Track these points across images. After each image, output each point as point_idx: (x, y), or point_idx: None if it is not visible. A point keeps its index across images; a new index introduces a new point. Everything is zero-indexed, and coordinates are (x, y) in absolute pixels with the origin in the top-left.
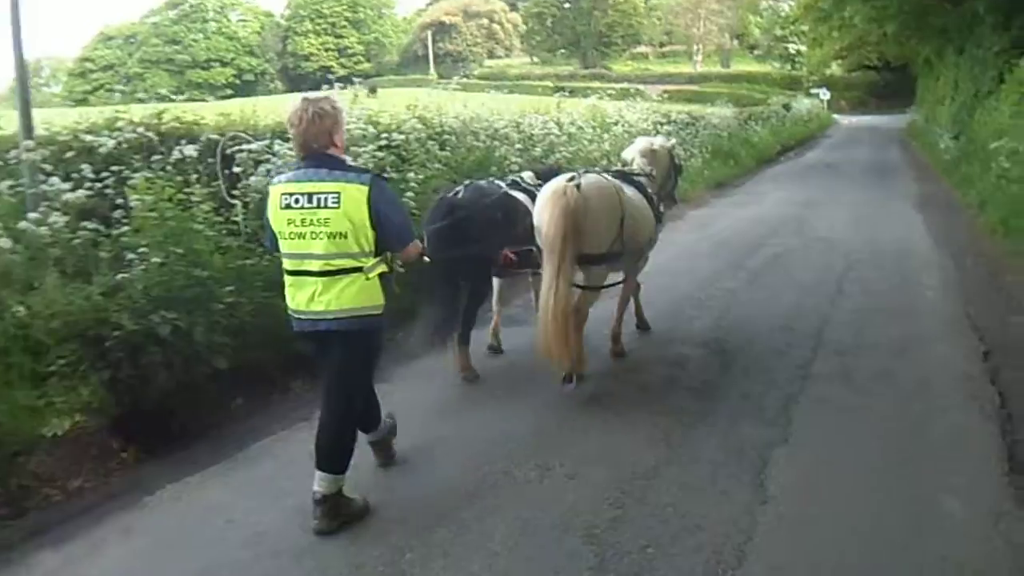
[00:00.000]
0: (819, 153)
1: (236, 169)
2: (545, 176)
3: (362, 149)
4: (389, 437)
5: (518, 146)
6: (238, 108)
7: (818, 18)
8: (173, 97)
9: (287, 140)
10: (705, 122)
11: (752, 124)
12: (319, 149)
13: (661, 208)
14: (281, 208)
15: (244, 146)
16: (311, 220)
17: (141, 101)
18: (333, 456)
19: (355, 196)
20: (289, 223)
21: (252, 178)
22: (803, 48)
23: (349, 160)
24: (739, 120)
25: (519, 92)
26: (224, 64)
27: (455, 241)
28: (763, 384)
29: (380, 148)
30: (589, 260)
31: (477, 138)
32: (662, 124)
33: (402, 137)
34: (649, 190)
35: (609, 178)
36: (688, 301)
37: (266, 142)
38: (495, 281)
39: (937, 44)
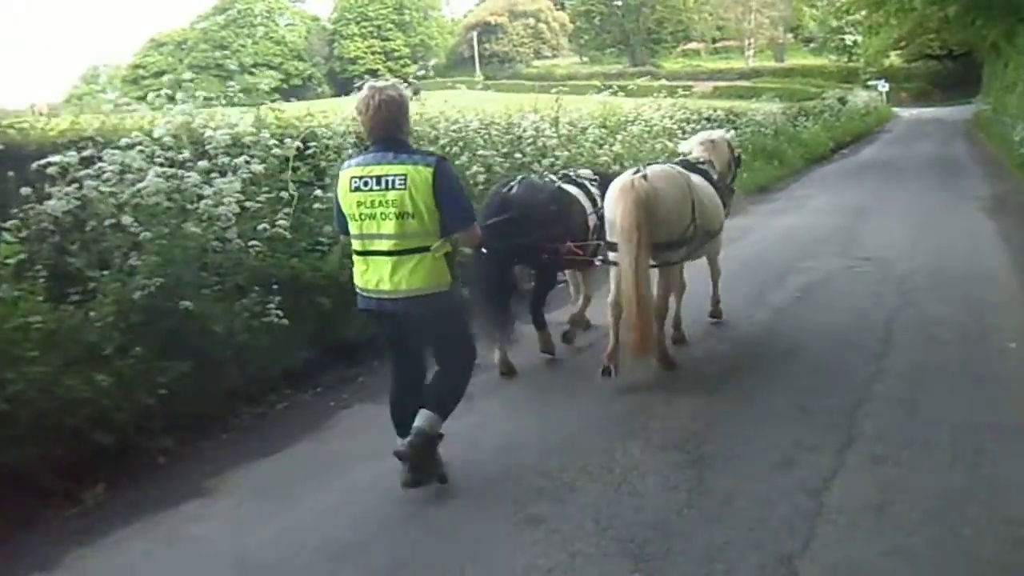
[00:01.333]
0: (876, 149)
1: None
2: (601, 175)
3: (234, 159)
4: (435, 461)
5: (497, 151)
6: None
7: (874, 3)
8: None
9: (127, 148)
10: (747, 119)
11: (802, 120)
12: (386, 135)
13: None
14: (351, 191)
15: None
16: (380, 201)
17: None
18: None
19: (421, 177)
20: (359, 205)
21: (50, 202)
22: (860, 39)
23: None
24: (788, 116)
25: (566, 92)
26: (272, 68)
27: (509, 236)
28: (742, 541)
29: (267, 159)
30: (665, 247)
31: (435, 143)
32: (688, 123)
33: (295, 144)
34: (713, 176)
35: (675, 166)
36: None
37: (87, 152)
38: (568, 273)
39: (1006, 24)
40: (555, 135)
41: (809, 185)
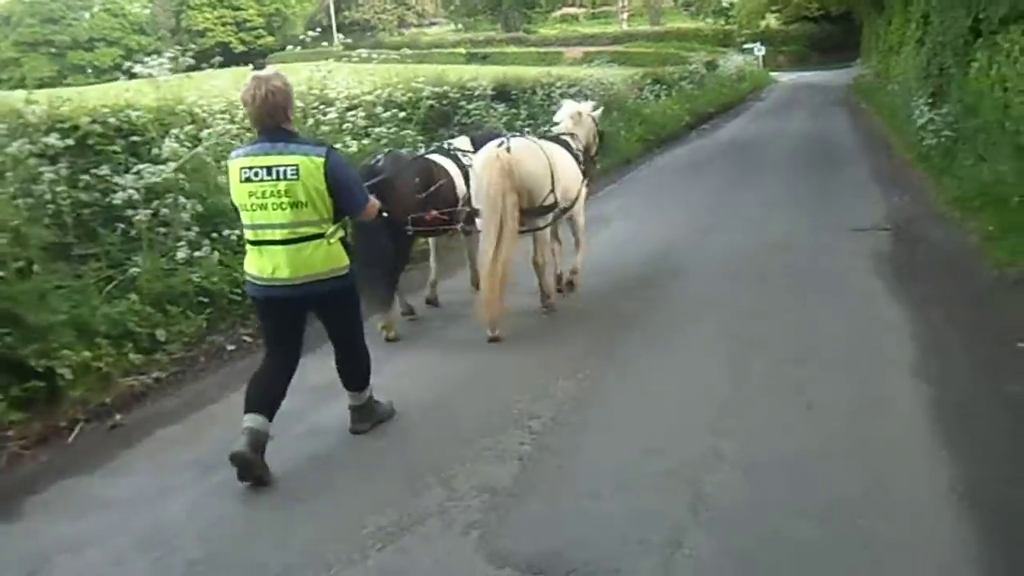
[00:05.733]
0: (742, 124)
1: None
2: (480, 142)
3: None
4: (375, 413)
5: None
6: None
7: None
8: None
9: None
10: (559, 91)
11: (655, 90)
12: (273, 124)
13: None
14: (241, 181)
15: None
16: (272, 192)
17: (23, 87)
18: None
19: (313, 167)
20: (250, 195)
21: None
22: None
23: None
24: (632, 84)
25: (429, 62)
26: (110, 44)
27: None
28: None
29: None
30: (529, 214)
31: None
32: (383, 111)
33: None
34: (574, 147)
35: (534, 139)
36: None
37: None
38: (431, 240)
39: None
40: None
41: (622, 192)
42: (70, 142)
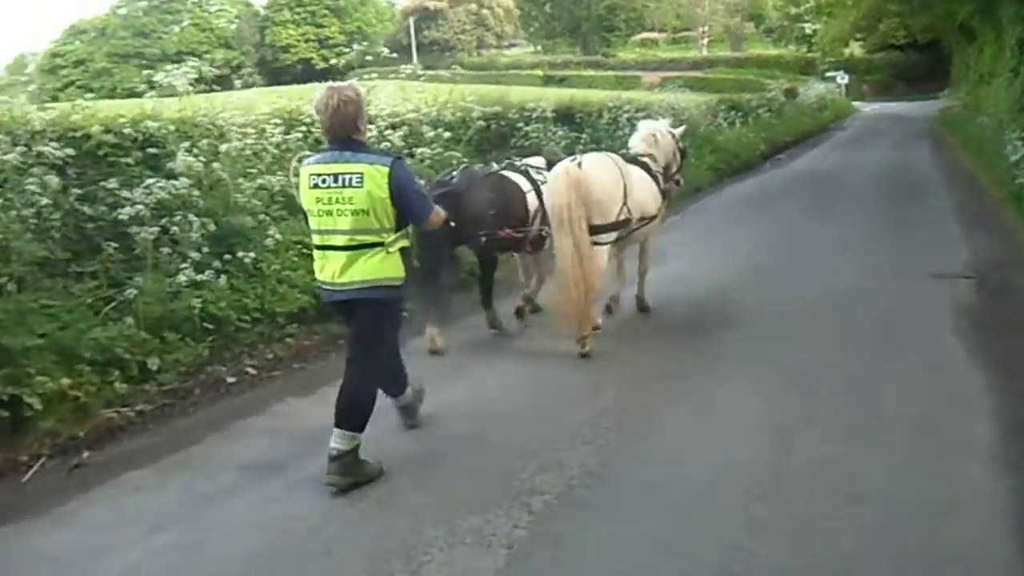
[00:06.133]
0: (820, 155)
1: None
2: (554, 163)
3: None
4: (415, 403)
5: None
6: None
7: None
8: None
9: None
10: (627, 115)
11: (730, 116)
12: (344, 134)
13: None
14: (310, 188)
15: None
16: (337, 198)
17: (112, 97)
18: (351, 414)
19: (377, 176)
20: (317, 201)
21: None
22: (819, 27)
23: None
24: (706, 110)
25: (506, 83)
26: (197, 57)
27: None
28: None
29: None
30: (599, 230)
31: None
32: (429, 131)
33: None
34: (652, 168)
35: (610, 154)
36: None
37: None
38: (518, 257)
39: None
40: None
41: (685, 224)
42: (71, 151)
